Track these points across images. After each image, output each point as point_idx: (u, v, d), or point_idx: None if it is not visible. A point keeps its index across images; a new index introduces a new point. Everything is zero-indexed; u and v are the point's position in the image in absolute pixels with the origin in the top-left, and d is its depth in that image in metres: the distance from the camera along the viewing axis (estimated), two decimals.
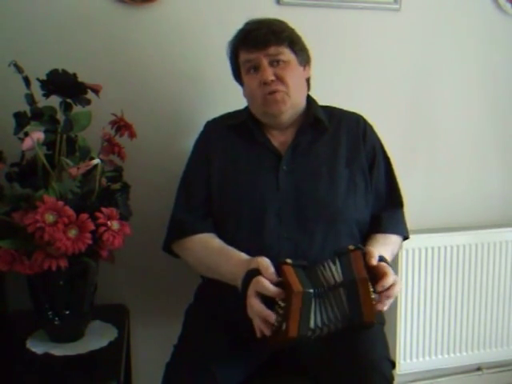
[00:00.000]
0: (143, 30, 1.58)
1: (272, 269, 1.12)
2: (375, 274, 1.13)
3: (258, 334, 1.11)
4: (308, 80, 1.43)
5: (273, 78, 1.31)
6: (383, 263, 1.16)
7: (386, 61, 1.81)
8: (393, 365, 1.24)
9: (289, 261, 1.12)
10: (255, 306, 1.10)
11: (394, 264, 1.78)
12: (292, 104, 1.35)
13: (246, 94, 1.40)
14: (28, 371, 1.20)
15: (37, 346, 1.25)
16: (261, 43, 1.31)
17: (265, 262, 1.14)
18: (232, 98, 1.50)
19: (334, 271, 1.12)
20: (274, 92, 1.32)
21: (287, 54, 1.34)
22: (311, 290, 1.08)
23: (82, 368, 1.20)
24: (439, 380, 2.00)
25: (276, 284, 1.10)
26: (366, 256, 1.15)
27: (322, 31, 1.70)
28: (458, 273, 1.89)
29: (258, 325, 1.10)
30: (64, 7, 1.51)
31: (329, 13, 1.73)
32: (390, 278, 1.12)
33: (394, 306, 1.82)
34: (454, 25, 1.87)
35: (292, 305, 1.06)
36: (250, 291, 1.11)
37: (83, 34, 1.53)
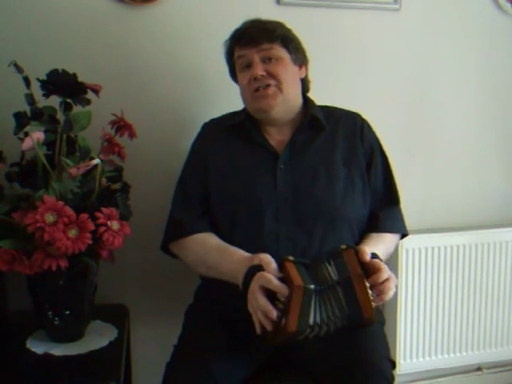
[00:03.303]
0: (143, 30, 1.58)
1: (274, 264, 1.12)
2: (369, 271, 1.14)
3: (258, 330, 1.11)
4: (305, 81, 1.44)
5: (263, 73, 1.32)
6: (376, 259, 1.17)
7: (386, 61, 1.81)
8: (393, 365, 1.24)
9: (291, 258, 1.12)
10: (260, 300, 1.09)
11: (394, 264, 1.78)
12: (283, 99, 1.35)
13: (241, 93, 1.41)
14: (28, 371, 1.20)
15: (37, 346, 1.25)
16: (253, 40, 1.33)
17: (267, 258, 1.14)
18: (233, 98, 1.50)
19: (330, 271, 1.13)
20: (264, 87, 1.33)
21: (280, 51, 1.34)
22: (312, 286, 1.09)
23: (82, 368, 1.20)
24: (439, 380, 2.00)
25: (279, 279, 1.10)
26: (358, 254, 1.15)
27: (322, 31, 1.70)
28: (457, 273, 1.89)
29: (258, 320, 1.10)
30: (64, 7, 1.51)
31: (329, 13, 1.73)
32: (384, 273, 1.13)
33: (393, 306, 1.82)
34: (454, 25, 1.87)
35: (293, 299, 1.06)
36: (254, 286, 1.11)
37: (83, 33, 1.53)
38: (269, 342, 1.14)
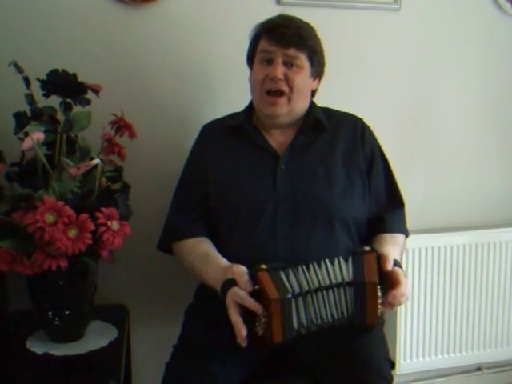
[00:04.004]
0: (143, 30, 1.58)
1: (246, 278, 1.13)
2: (387, 279, 1.13)
3: (238, 341, 1.12)
4: (314, 92, 1.44)
5: (281, 77, 1.32)
6: (398, 269, 1.17)
7: (386, 61, 1.81)
8: (392, 365, 1.25)
9: (263, 266, 1.12)
10: (232, 316, 1.11)
11: None
12: (289, 110, 1.36)
13: (251, 80, 1.40)
14: (28, 371, 1.20)
15: (37, 346, 1.25)
16: (283, 41, 1.32)
17: (239, 271, 1.15)
18: (234, 98, 1.50)
19: (345, 269, 1.13)
20: (276, 93, 1.32)
21: (303, 62, 1.34)
22: (289, 295, 1.09)
23: (82, 368, 1.20)
24: (439, 380, 2.00)
25: (254, 292, 1.10)
26: (381, 260, 1.15)
27: (322, 31, 1.68)
28: (457, 273, 1.89)
29: (237, 334, 1.11)
30: (64, 7, 1.51)
31: (329, 13, 1.73)
32: (402, 289, 1.14)
33: None
34: (454, 25, 1.87)
35: (272, 313, 1.07)
36: (228, 301, 1.13)
37: (83, 33, 1.53)
38: (259, 349, 1.15)
